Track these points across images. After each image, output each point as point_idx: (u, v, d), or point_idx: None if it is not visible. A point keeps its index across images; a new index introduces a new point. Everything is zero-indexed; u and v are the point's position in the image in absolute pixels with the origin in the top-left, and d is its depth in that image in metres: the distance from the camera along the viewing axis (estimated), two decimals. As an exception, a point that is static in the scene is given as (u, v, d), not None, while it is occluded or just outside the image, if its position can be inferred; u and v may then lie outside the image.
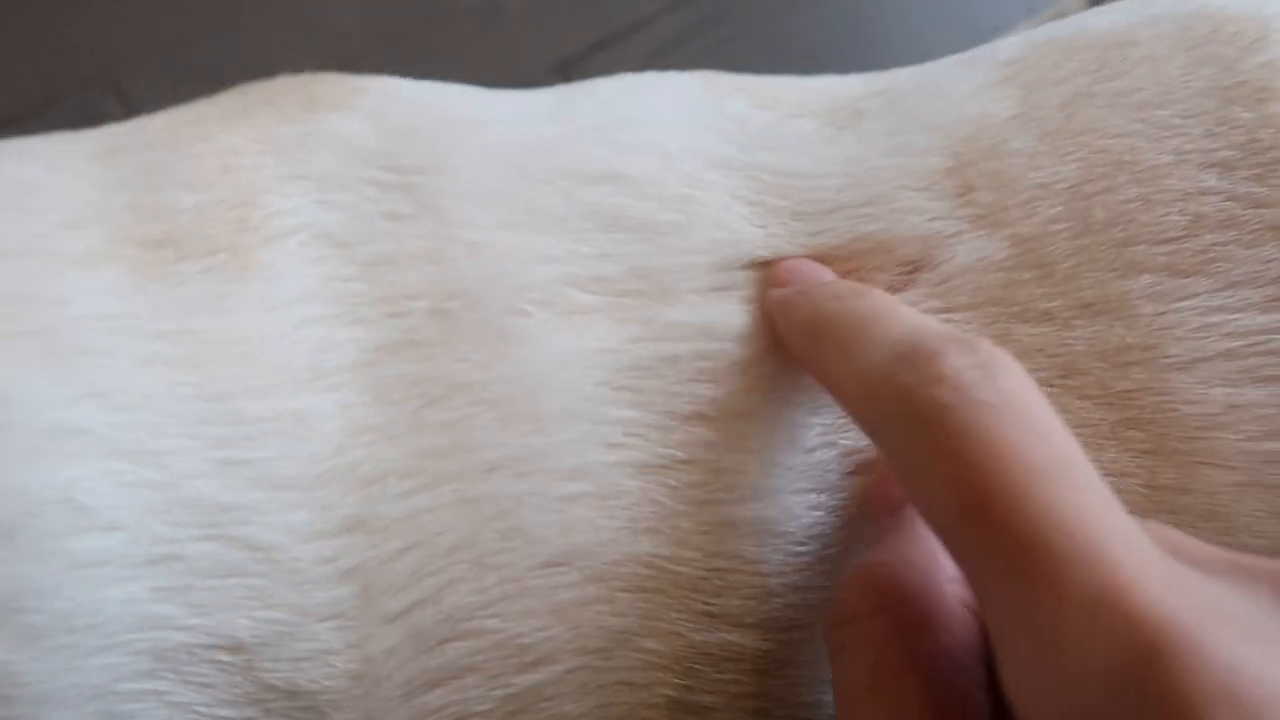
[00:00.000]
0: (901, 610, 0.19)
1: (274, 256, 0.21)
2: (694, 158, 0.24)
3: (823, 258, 0.23)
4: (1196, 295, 0.22)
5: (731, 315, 0.22)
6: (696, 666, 0.21)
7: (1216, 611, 0.15)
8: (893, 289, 0.23)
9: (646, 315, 0.22)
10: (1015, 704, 0.16)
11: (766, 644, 0.21)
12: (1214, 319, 0.22)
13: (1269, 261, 0.22)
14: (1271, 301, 0.22)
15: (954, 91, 0.25)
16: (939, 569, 0.20)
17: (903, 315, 0.20)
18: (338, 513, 0.20)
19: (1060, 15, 0.43)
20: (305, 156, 0.23)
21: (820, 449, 0.22)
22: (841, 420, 0.22)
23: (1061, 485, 0.16)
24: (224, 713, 0.19)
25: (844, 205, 0.23)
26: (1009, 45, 0.26)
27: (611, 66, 0.45)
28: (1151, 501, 0.23)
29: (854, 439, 0.22)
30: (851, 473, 0.22)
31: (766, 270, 0.23)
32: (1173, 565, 0.16)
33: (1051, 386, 0.23)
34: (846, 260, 0.23)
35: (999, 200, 0.23)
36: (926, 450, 0.17)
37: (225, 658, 0.19)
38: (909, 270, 0.23)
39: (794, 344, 0.22)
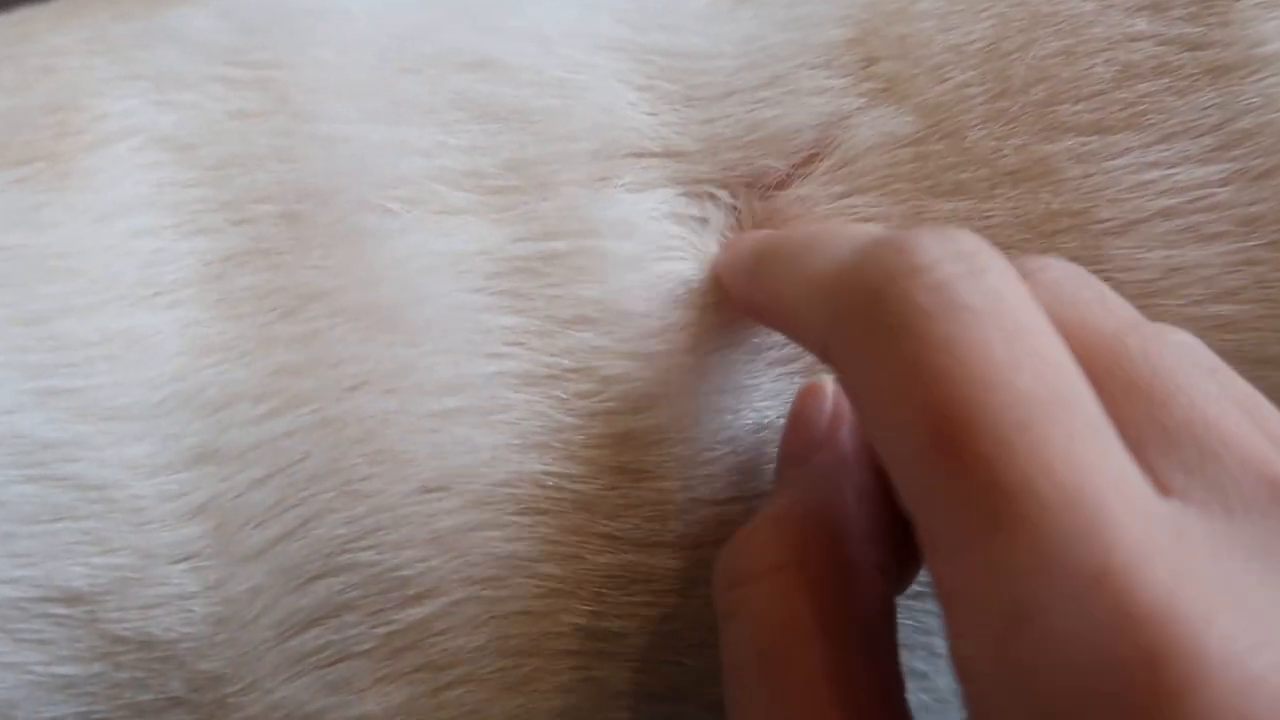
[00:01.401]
0: (810, 568, 0.16)
1: (100, 163, 0.19)
2: (577, 41, 0.21)
3: (717, 148, 0.21)
4: (1128, 152, 0.20)
5: (616, 207, 0.20)
6: (603, 591, 0.19)
7: (1239, 598, 0.12)
8: (790, 178, 0.21)
9: (524, 212, 0.19)
10: (965, 688, 0.13)
11: (676, 563, 0.19)
12: (1148, 176, 0.20)
13: (1206, 109, 0.20)
14: (1211, 152, 0.20)
15: (858, -49, 0.22)
16: (854, 524, 0.17)
17: (865, 227, 0.17)
18: (183, 443, 0.17)
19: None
20: (142, 54, 0.20)
21: (724, 349, 0.20)
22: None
23: (1057, 425, 0.13)
24: (66, 670, 0.17)
25: (738, 89, 0.21)
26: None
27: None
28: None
29: (763, 333, 0.20)
30: (763, 366, 0.20)
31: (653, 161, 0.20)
32: (1188, 534, 0.13)
33: (976, 263, 0.20)
34: (742, 150, 0.21)
35: (905, 70, 0.20)
36: (895, 365, 0.14)
37: (61, 610, 0.17)
38: (808, 158, 0.21)
39: (738, 283, 0.19)
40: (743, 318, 0.20)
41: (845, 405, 0.19)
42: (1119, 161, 0.20)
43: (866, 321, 0.14)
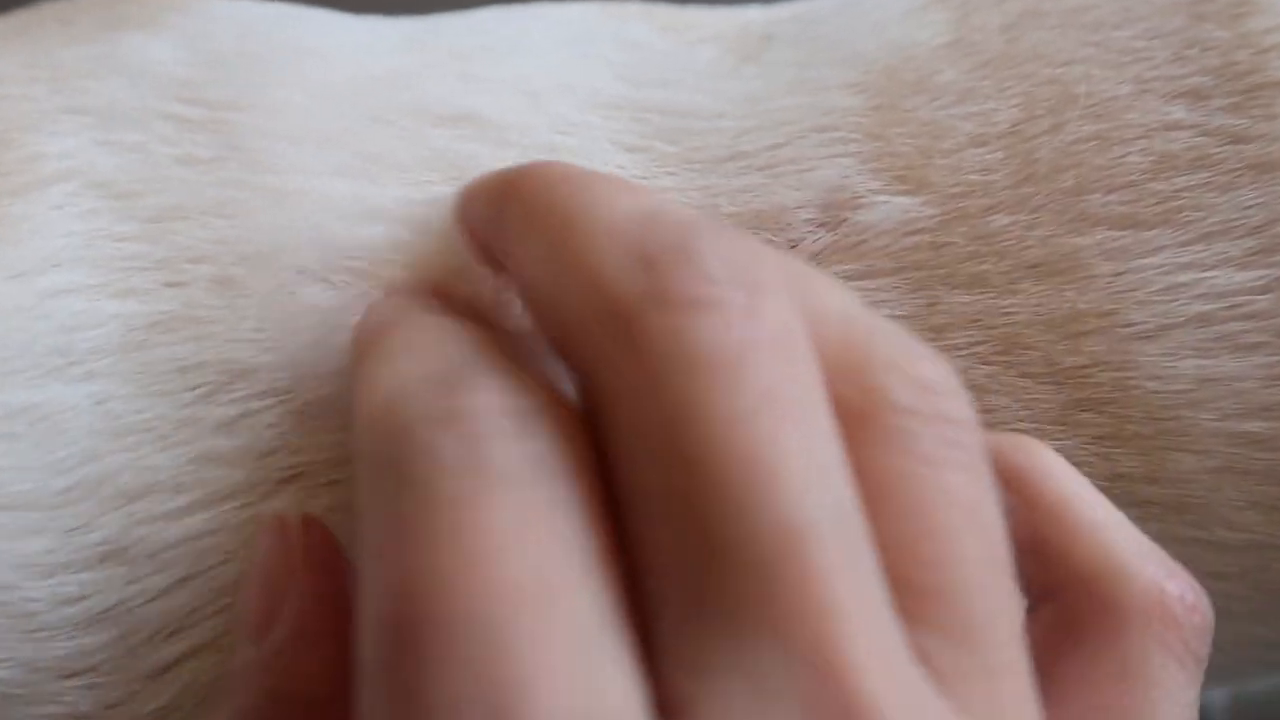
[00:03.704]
0: None
1: (29, 209, 0.16)
2: (569, 96, 0.19)
3: (715, 217, 0.18)
4: (1162, 250, 0.17)
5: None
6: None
7: None
8: (789, 253, 0.18)
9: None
10: None
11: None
12: (1183, 278, 0.17)
13: (1248, 208, 0.17)
14: (1251, 255, 0.17)
15: (878, 13, 0.19)
16: None
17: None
18: (87, 538, 0.15)
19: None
20: (90, 85, 0.17)
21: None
22: None
23: (540, 622, 0.10)
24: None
25: (741, 153, 0.18)
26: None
27: None
28: (1111, 495, 0.18)
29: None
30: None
31: None
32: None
33: (989, 364, 0.18)
34: (743, 221, 0.18)
35: (923, 146, 0.18)
36: (383, 522, 0.11)
37: (-71, 731, 0.14)
38: (816, 230, 0.18)
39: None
40: None
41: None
42: (1152, 260, 0.17)
43: (371, 468, 0.12)
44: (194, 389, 0.15)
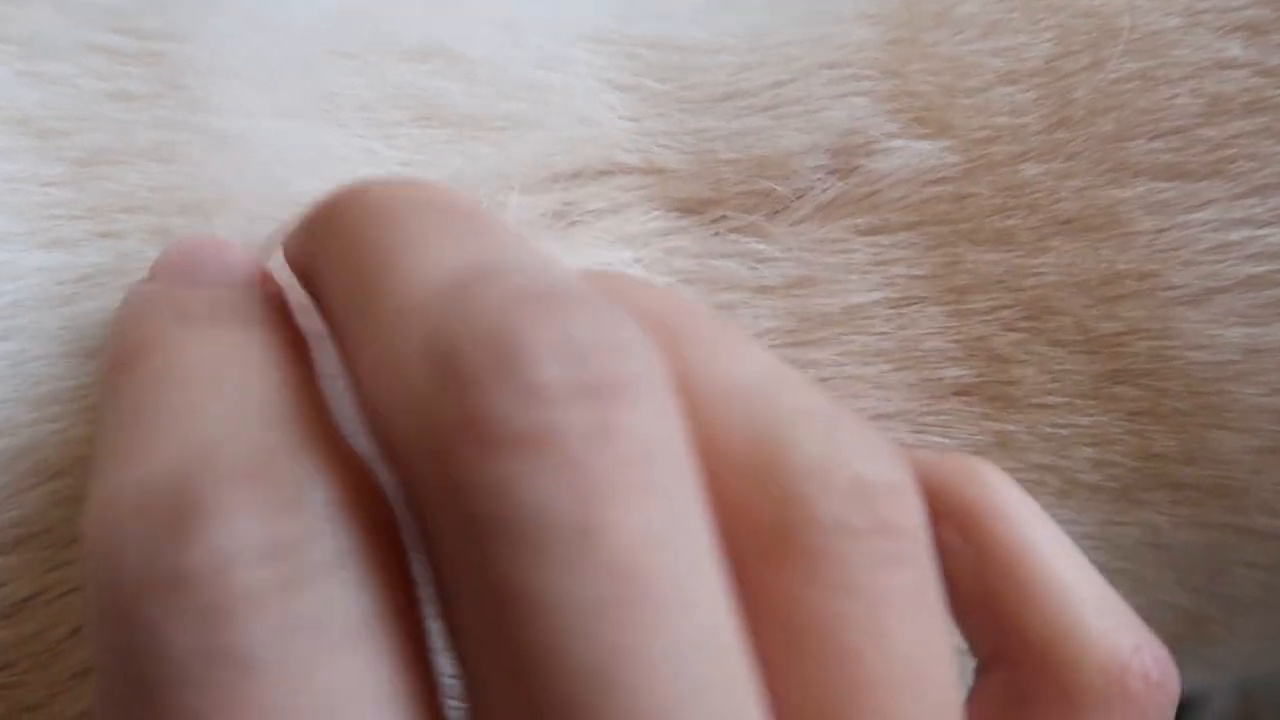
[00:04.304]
0: None
1: (-62, 151, 0.14)
2: (552, 29, 0.17)
3: (709, 163, 0.16)
4: (1211, 204, 0.16)
5: (574, 255, 0.15)
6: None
7: None
8: (798, 204, 0.16)
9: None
10: None
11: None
12: (1234, 236, 0.15)
13: (1309, 159, 0.15)
14: (1312, 212, 0.15)
15: (895, -63, 0.17)
16: None
17: (242, 388, 0.10)
18: (2, 518, 0.13)
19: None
20: (10, 10, 0.16)
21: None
22: None
23: None
24: None
25: (740, 91, 0.16)
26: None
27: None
28: (1143, 475, 0.16)
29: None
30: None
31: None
32: None
33: (1014, 330, 0.16)
34: (740, 167, 0.16)
35: (945, 85, 0.16)
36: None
37: None
38: (821, 180, 0.16)
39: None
40: None
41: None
42: (1199, 215, 0.15)
43: (105, 648, 0.09)
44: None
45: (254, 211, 0.14)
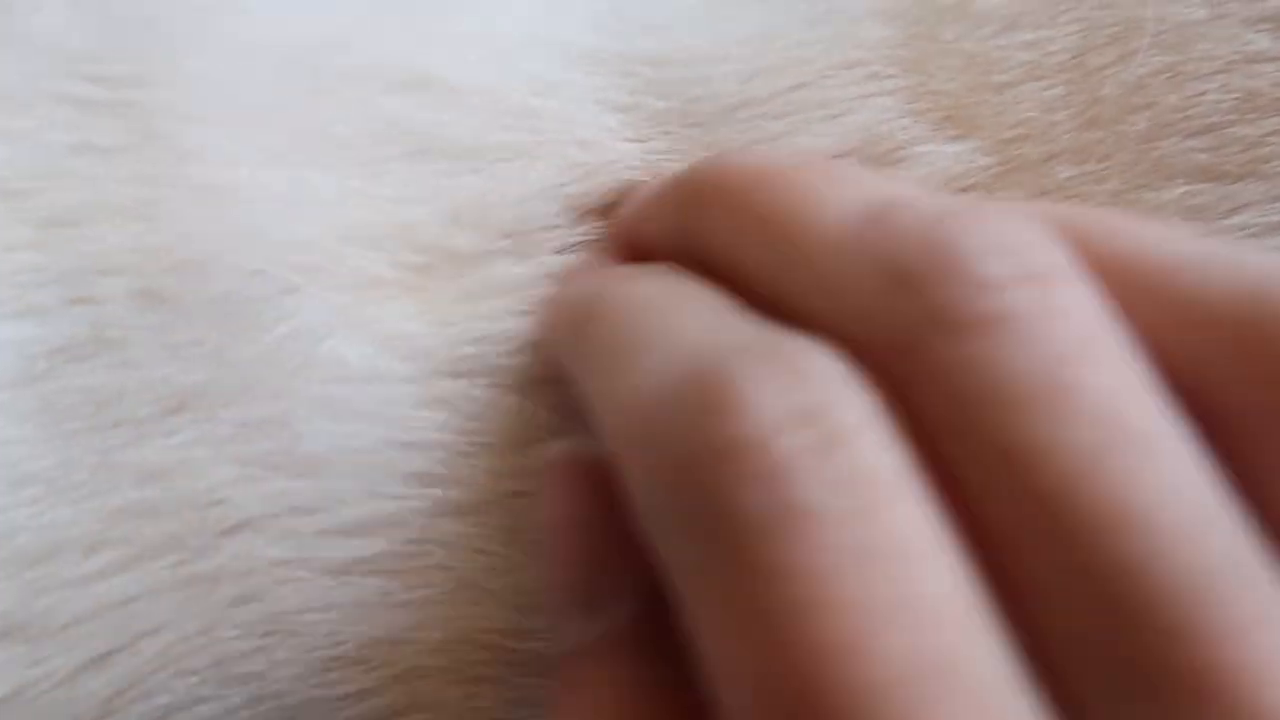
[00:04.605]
0: None
1: (-105, 219, 0.13)
2: (544, 52, 0.16)
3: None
4: (1248, 208, 0.15)
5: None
6: None
7: None
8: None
9: (470, 285, 0.14)
10: None
11: None
12: (1273, 240, 0.15)
13: (1351, 153, 0.15)
14: (1358, 210, 0.15)
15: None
16: None
17: (709, 307, 0.12)
18: (-18, 614, 0.12)
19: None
20: (-33, 67, 0.14)
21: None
22: None
23: (934, 706, 0.08)
24: None
25: (750, 100, 0.15)
26: None
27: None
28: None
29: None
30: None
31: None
32: None
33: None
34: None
35: (968, 83, 0.15)
36: (718, 599, 0.09)
37: None
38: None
39: (553, 359, 0.14)
40: None
41: None
42: (1237, 220, 0.15)
43: (677, 515, 0.10)
44: (114, 425, 0.12)
45: (245, 267, 0.13)
